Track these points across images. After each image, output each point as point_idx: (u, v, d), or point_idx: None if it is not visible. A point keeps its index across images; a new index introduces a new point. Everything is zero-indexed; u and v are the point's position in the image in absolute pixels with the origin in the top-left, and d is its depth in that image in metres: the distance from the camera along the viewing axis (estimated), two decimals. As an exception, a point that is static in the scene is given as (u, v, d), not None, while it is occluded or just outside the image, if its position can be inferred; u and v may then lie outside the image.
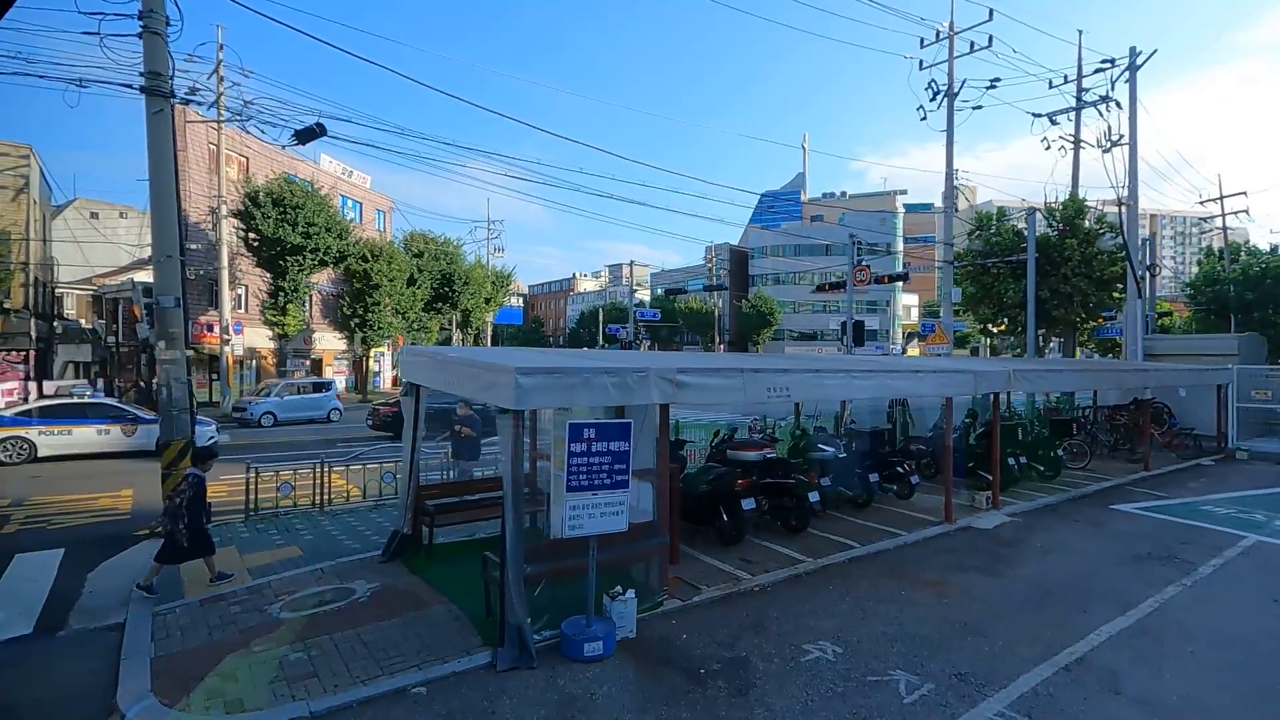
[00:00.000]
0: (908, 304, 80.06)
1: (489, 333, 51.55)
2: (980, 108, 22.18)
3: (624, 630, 5.77)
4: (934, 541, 8.87)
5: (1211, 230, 44.86)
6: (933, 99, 21.45)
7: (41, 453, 15.30)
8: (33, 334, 25.69)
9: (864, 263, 27.95)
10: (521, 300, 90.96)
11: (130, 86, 9.31)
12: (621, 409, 7.12)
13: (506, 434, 5.59)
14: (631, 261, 38.77)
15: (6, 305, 24.48)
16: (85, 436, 15.74)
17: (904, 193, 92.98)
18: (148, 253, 40.22)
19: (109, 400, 17.89)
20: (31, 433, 15.27)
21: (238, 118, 25.59)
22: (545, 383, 5.50)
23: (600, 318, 60.55)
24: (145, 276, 43.18)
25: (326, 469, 10.40)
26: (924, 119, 22.64)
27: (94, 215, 51.07)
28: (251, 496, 9.88)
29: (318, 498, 10.34)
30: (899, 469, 10.32)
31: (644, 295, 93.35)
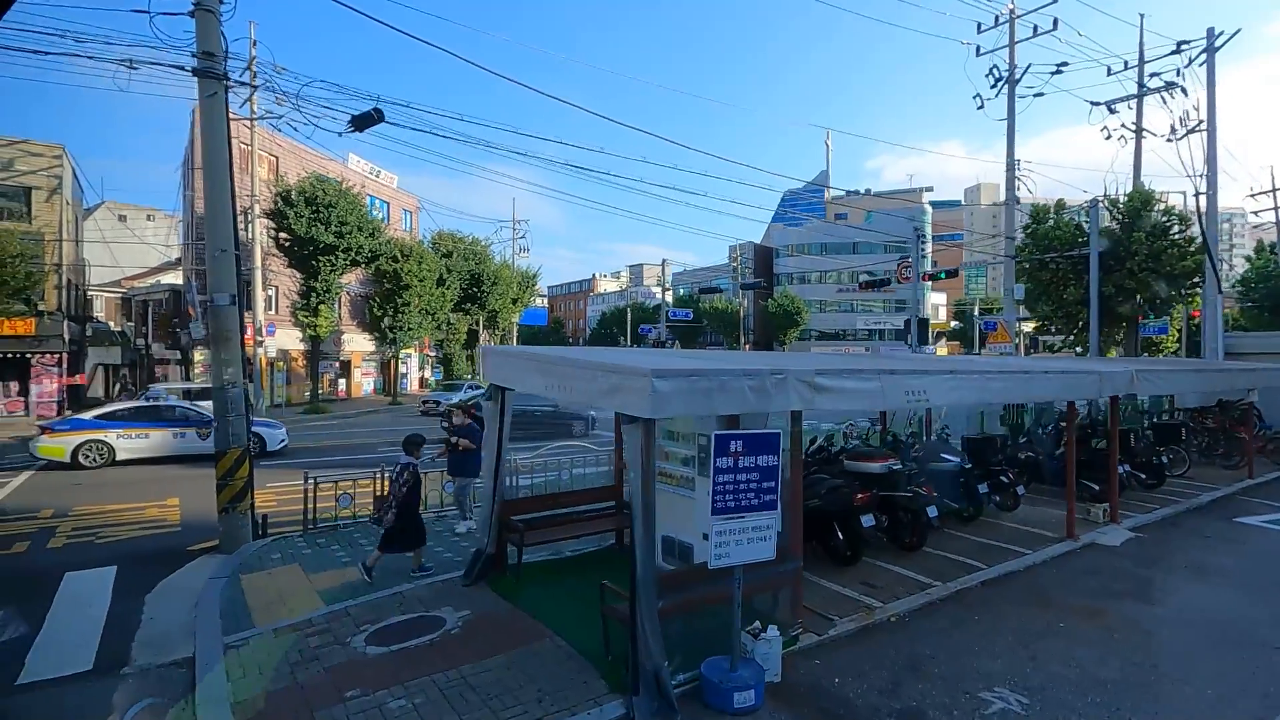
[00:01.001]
0: (935, 303, 78.39)
1: (514, 334, 51.01)
2: (1042, 94, 21.09)
3: (769, 673, 4.99)
4: (1063, 561, 7.99)
5: (1261, 224, 43.29)
6: (993, 86, 20.48)
7: (120, 456, 15.05)
8: (65, 336, 25.41)
9: (908, 258, 26.95)
10: (545, 301, 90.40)
11: (182, 68, 8.70)
12: (735, 419, 6.36)
13: (635, 446, 4.83)
14: (664, 261, 38.01)
15: (41, 307, 24.21)
16: (162, 440, 15.50)
17: (930, 190, 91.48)
18: (175, 254, 40.04)
19: (185, 403, 17.54)
20: (110, 436, 15.01)
21: (270, 115, 25.15)
22: (682, 387, 4.73)
23: (629, 318, 59.82)
24: (172, 278, 43.09)
25: (387, 478, 9.69)
26: (980, 107, 21.70)
27: (122, 218, 51.26)
28: (310, 507, 9.19)
29: (378, 506, 9.64)
30: (1002, 479, 9.45)
31: (666, 295, 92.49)
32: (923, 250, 70.18)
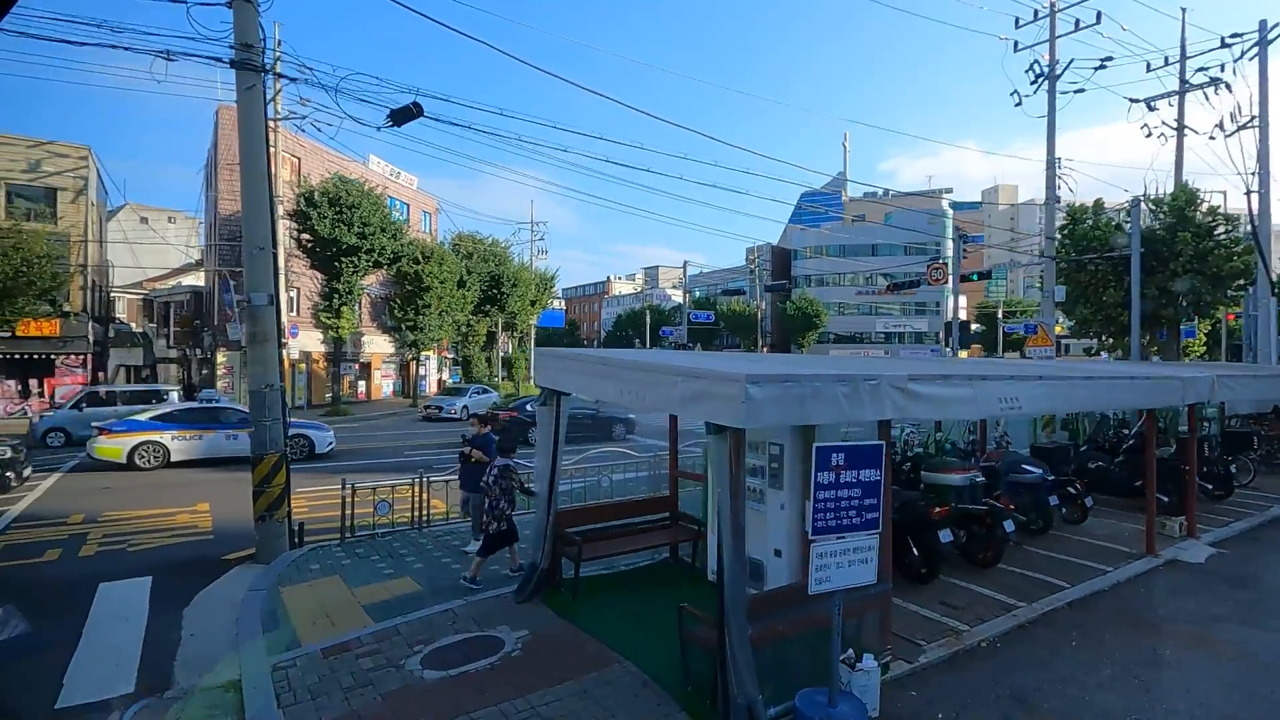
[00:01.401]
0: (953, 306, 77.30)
1: (531, 336, 50.76)
2: (1083, 90, 20.44)
3: (868, 707, 4.56)
4: (1149, 580, 7.49)
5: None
6: (1033, 82, 19.91)
7: (174, 458, 15.07)
8: (90, 337, 25.38)
9: (940, 259, 26.36)
10: (563, 303, 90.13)
11: (219, 60, 8.41)
12: (811, 429, 5.94)
13: (722, 458, 4.43)
14: (685, 262, 37.61)
15: (66, 308, 24.18)
16: (215, 442, 15.46)
17: (949, 191, 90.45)
18: (196, 256, 40.04)
19: (237, 405, 17.45)
20: (166, 437, 15.00)
21: (294, 116, 25.02)
22: (775, 394, 4.33)
23: (647, 320, 59.36)
24: (193, 280, 43.17)
25: (426, 484, 9.36)
26: (1019, 104, 21.08)
27: (144, 220, 51.55)
28: (347, 514, 8.85)
29: (415, 514, 9.31)
30: (1070, 489, 8.96)
31: (680, 297, 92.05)
32: (944, 252, 69.19)
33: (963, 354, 66.82)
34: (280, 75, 8.56)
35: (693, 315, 40.03)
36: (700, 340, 73.05)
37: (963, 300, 76.35)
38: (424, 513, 9.35)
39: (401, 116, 9.55)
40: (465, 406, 26.75)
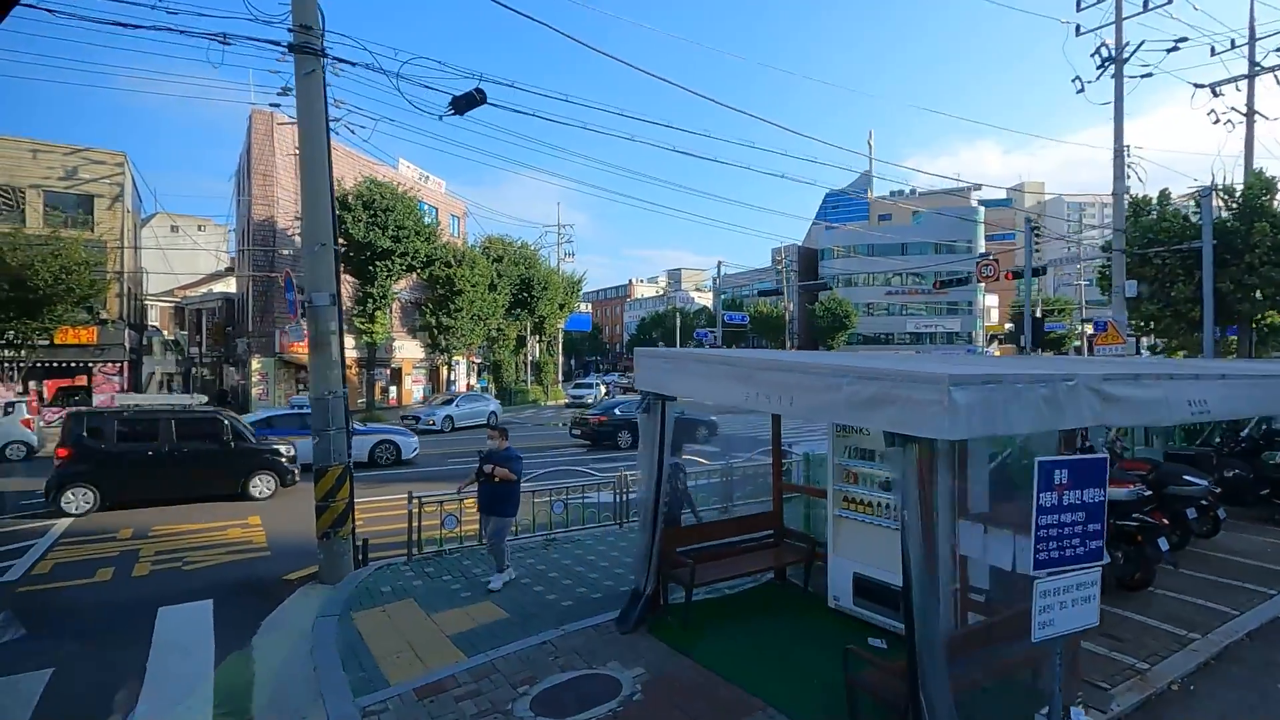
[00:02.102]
0: (988, 304, 75.77)
1: (559, 339, 50.29)
2: (1151, 74, 19.37)
3: (1085, 774, 3.81)
4: (1323, 604, 6.62)
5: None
6: (1099, 66, 18.92)
7: None
8: (127, 344, 25.25)
9: (990, 256, 25.39)
10: (590, 306, 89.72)
11: (277, 44, 7.87)
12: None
13: (909, 476, 3.71)
14: (719, 262, 36.92)
15: (103, 316, 24.04)
16: (307, 448, 15.04)
17: (978, 188, 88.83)
18: (227, 263, 39.99)
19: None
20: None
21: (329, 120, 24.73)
22: (980, 398, 3.59)
23: (677, 323, 58.63)
24: (223, 288, 43.16)
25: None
26: (1080, 90, 20.08)
27: (174, 228, 51.90)
28: (414, 525, 8.24)
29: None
30: (1203, 500, 8.09)
31: (704, 299, 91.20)
32: (976, 250, 67.41)
33: (995, 353, 65.12)
34: (340, 60, 8.01)
35: (727, 316, 39.25)
36: (726, 343, 72.19)
37: (993, 299, 74.87)
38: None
39: (464, 103, 8.95)
40: (449, 417, 23.95)
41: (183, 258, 44.40)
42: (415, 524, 8.21)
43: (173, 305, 46.37)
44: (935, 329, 68.53)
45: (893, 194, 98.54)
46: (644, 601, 5.90)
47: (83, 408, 16.18)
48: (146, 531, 9.84)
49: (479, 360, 47.31)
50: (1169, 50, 18.55)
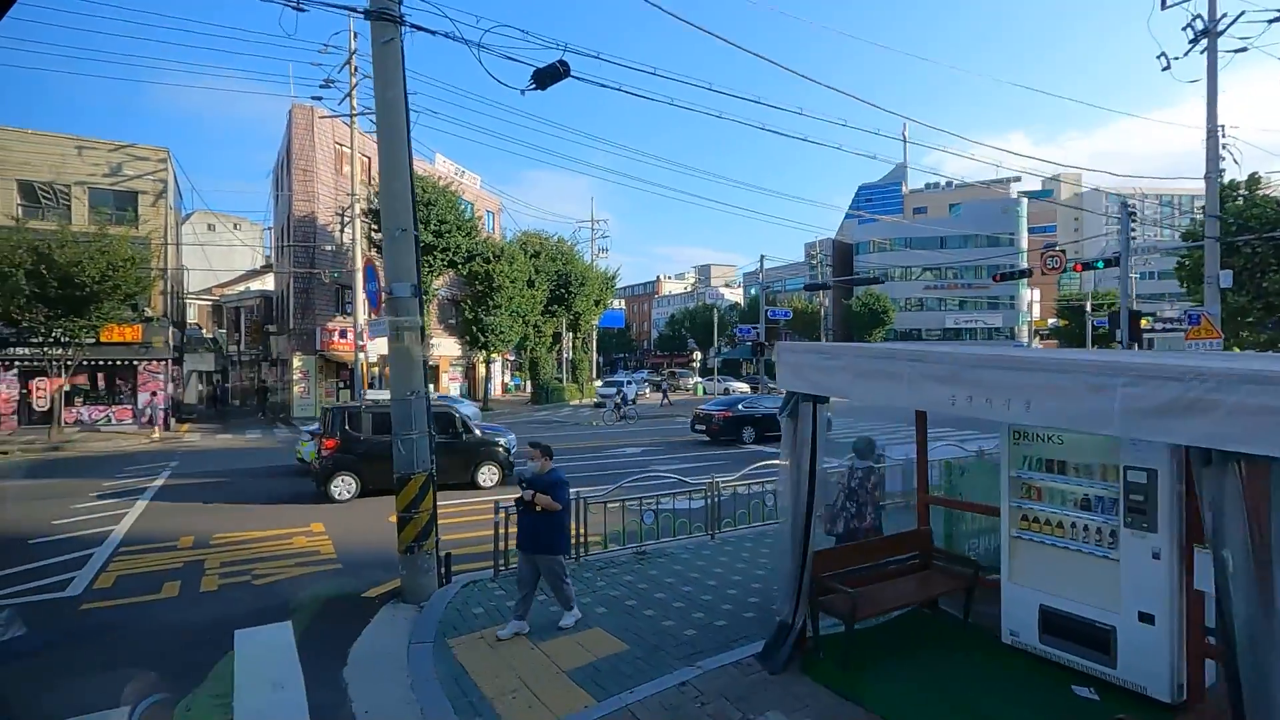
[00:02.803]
0: (1031, 299, 73.45)
1: (594, 336, 49.64)
2: (1245, 49, 18.00)
3: None
4: None
5: None
6: (1191, 40, 17.63)
7: None
8: (171, 342, 25.08)
9: (1057, 247, 24.12)
10: (622, 303, 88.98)
11: (353, 10, 7.20)
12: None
13: (1234, 503, 2.85)
14: (762, 257, 35.84)
15: (148, 313, 23.85)
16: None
17: (1018, 180, 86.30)
18: (266, 261, 39.86)
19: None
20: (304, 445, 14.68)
21: (370, 112, 24.22)
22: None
23: (715, 319, 57.81)
24: (258, 285, 43.08)
25: (583, 506, 7.98)
26: (1166, 68, 18.74)
27: (211, 227, 52.21)
28: (500, 532, 7.52)
29: (573, 540, 7.94)
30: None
31: (733, 295, 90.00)
32: (1019, 243, 65.36)
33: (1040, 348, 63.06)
34: (419, 28, 7.33)
35: (770, 313, 38.24)
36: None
37: (1035, 294, 72.66)
38: (580, 537, 7.98)
39: (548, 76, 8.20)
40: None
41: (219, 256, 44.59)
42: (503, 533, 7.50)
43: (210, 303, 46.60)
44: (975, 324, 66.61)
45: (928, 186, 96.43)
46: (792, 636, 5.10)
47: (344, 403, 16.36)
48: (208, 540, 9.28)
49: (512, 358, 46.84)
50: (1271, 20, 17.18)
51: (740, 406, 20.43)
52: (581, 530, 7.93)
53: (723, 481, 9.04)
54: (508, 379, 47.67)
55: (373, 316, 6.81)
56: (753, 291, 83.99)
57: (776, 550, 6.19)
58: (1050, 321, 64.55)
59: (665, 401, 37.12)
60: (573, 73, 8.35)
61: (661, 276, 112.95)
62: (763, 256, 35.74)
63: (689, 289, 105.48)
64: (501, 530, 7.40)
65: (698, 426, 20.36)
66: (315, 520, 10.37)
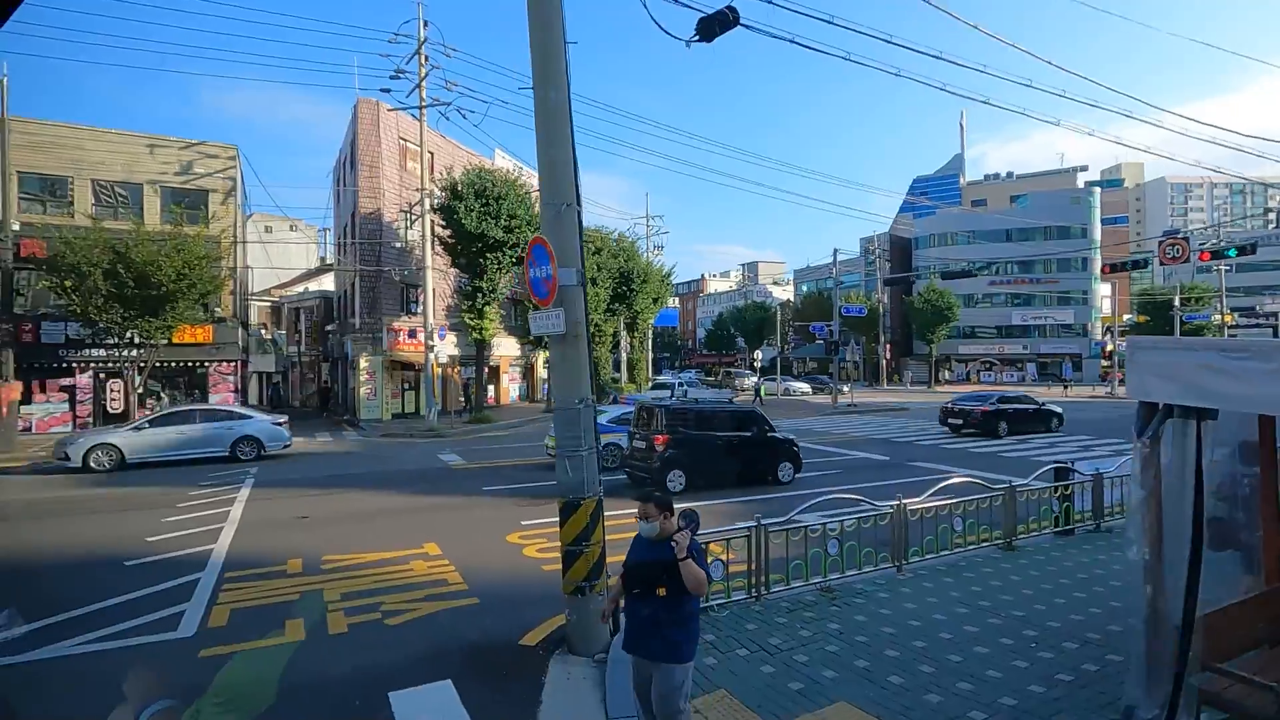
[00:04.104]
0: (1103, 294, 69.72)
1: (649, 336, 48.48)
2: None
3: None
4: None
5: None
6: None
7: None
8: (240, 343, 24.67)
9: (1179, 234, 22.03)
10: (676, 301, 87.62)
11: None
12: None
13: None
14: (835, 250, 34.11)
15: (219, 313, 23.45)
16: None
17: (1084, 169, 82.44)
18: (326, 262, 39.67)
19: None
20: (623, 439, 14.65)
21: (439, 103, 23.36)
22: None
23: (778, 318, 55.95)
24: (316, 286, 42.97)
25: (764, 534, 6.70)
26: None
27: (268, 229, 52.56)
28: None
29: (753, 577, 6.67)
30: None
31: (781, 293, 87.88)
32: (1091, 235, 62.31)
33: (1109, 347, 59.61)
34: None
35: (844, 310, 36.48)
36: (806, 338, 68.88)
37: (1105, 289, 69.04)
38: (761, 573, 6.70)
39: (715, 25, 6.96)
40: (110, 450, 15.22)
41: (276, 257, 44.66)
42: (759, 554, 6.26)
43: (269, 304, 46.78)
44: (1045, 320, 63.41)
45: (987, 178, 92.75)
46: (1168, 735, 3.72)
47: (656, 400, 16.21)
48: (317, 563, 8.27)
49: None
50: None
51: (995, 401, 22.13)
52: (758, 560, 6.66)
53: (911, 505, 7.66)
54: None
55: (539, 307, 5.58)
56: (804, 288, 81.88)
57: (1126, 624, 4.69)
58: (1126, 317, 60.90)
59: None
60: (742, 20, 7.11)
61: (706, 275, 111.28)
62: (836, 250, 33.98)
63: (734, 287, 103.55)
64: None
65: (952, 420, 22.15)
66: (427, 540, 9.31)
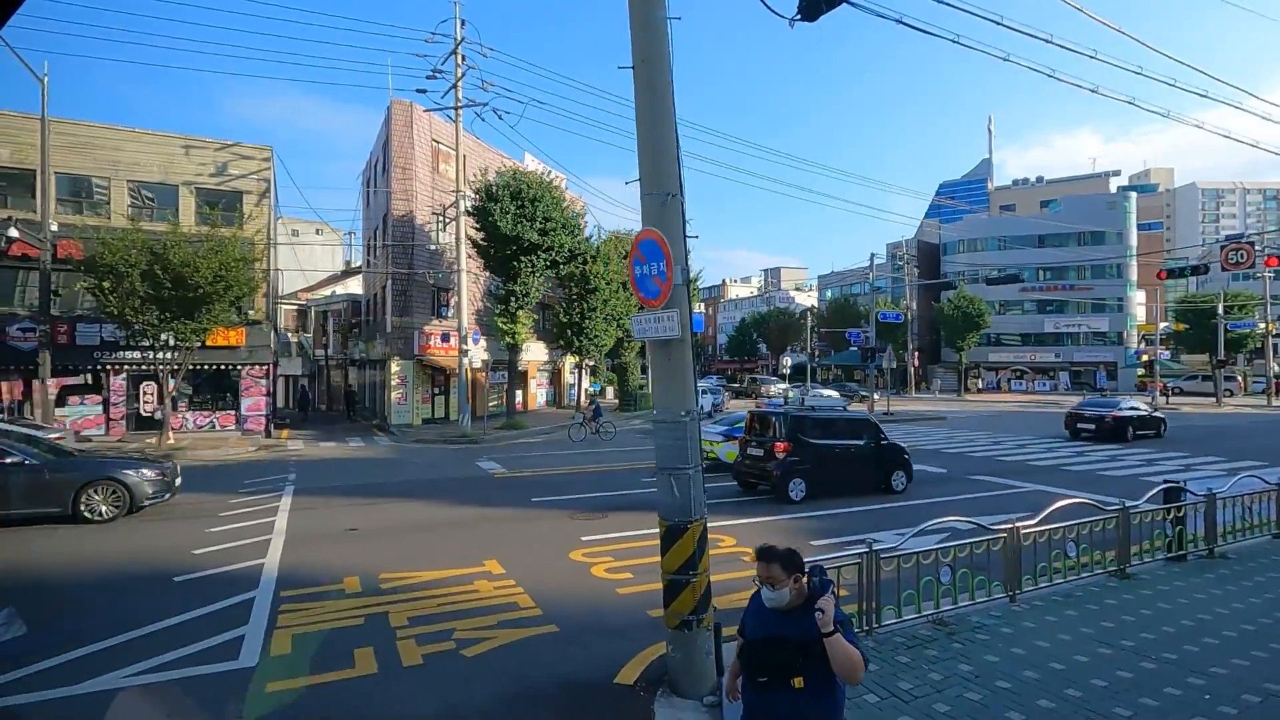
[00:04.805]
0: (1137, 302, 68.05)
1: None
2: None
3: None
4: None
5: None
6: None
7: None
8: (273, 346, 24.41)
9: (1244, 239, 21.07)
10: (703, 306, 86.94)
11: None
12: None
13: None
14: (872, 255, 33.36)
15: (252, 315, 23.20)
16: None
17: (1117, 174, 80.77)
18: (349, 265, 39.61)
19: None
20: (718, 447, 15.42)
21: (475, 104, 22.99)
22: None
23: (808, 324, 55.01)
24: (342, 289, 42.85)
25: (876, 563, 6.05)
26: None
27: (294, 232, 52.70)
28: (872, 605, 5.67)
29: (864, 603, 6.02)
30: None
31: (805, 299, 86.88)
32: (1126, 240, 60.33)
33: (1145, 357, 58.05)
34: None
35: (880, 315, 35.68)
36: (834, 345, 67.85)
37: (1141, 296, 67.29)
38: (872, 602, 6.05)
39: (819, 3, 6.38)
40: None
41: (302, 260, 44.65)
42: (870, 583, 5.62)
43: (295, 307, 46.79)
44: (1079, 328, 61.91)
45: (1016, 183, 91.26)
46: None
47: (766, 407, 16.88)
48: (375, 582, 7.74)
49: (591, 363, 45.45)
50: None
51: (1123, 409, 23.20)
52: (871, 589, 6.02)
53: (1024, 528, 6.98)
54: (588, 384, 46.27)
55: (645, 308, 5.02)
56: (828, 294, 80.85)
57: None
58: (1162, 326, 59.18)
59: None
60: (848, -1, 6.52)
61: (727, 280, 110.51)
62: (872, 255, 33.18)
63: (755, 293, 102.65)
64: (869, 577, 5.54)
65: (1083, 425, 23.00)
66: (486, 557, 8.76)
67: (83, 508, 10.32)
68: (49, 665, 5.55)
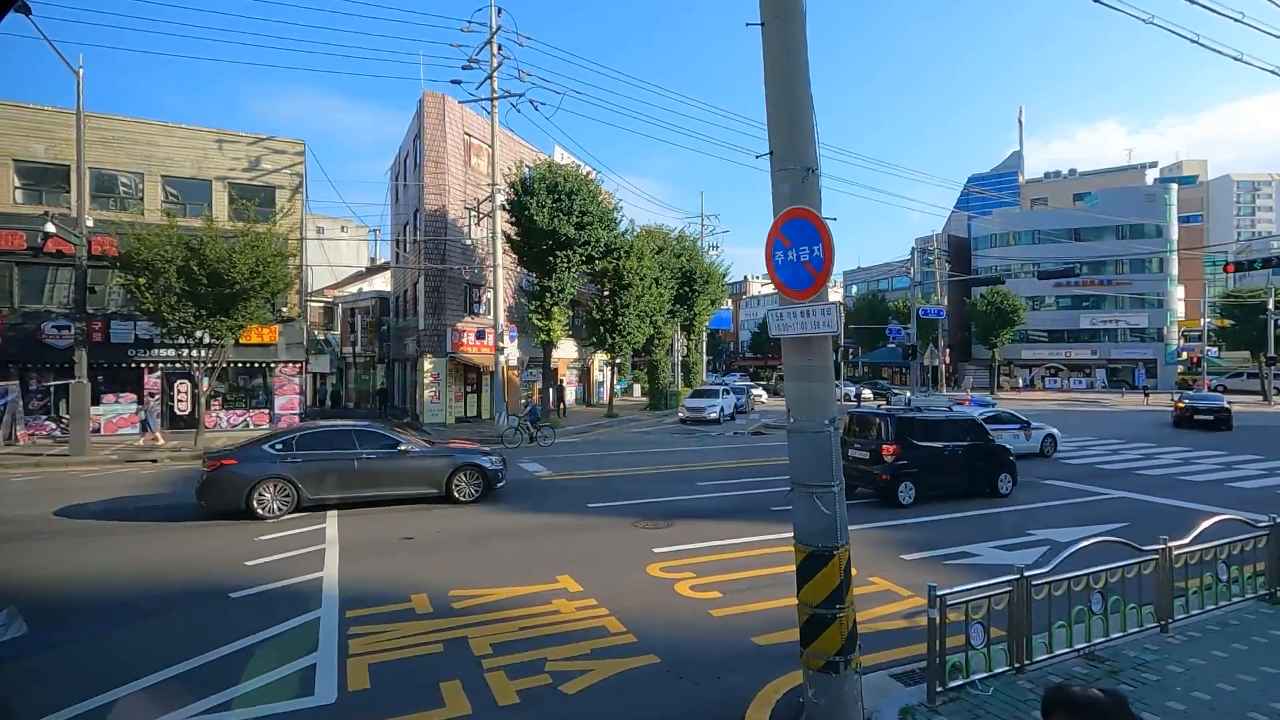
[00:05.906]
0: (1177, 297, 66.00)
1: (703, 338, 47.06)
2: None
3: None
4: None
5: None
6: None
7: None
8: (305, 344, 24.04)
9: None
10: (730, 303, 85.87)
11: None
12: None
13: None
14: (913, 249, 32.30)
15: (286, 313, 22.82)
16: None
17: (1153, 165, 78.48)
18: (375, 262, 39.32)
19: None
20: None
21: (510, 94, 22.35)
22: None
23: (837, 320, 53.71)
24: (369, 286, 42.57)
25: (1028, 590, 5.32)
26: None
27: (319, 230, 52.59)
28: (935, 638, 4.95)
29: (1016, 642, 5.30)
30: None
31: (831, 295, 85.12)
32: (1167, 234, 58.63)
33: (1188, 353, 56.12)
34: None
35: (921, 311, 34.66)
36: (861, 342, 66.60)
37: (1181, 291, 65.38)
38: (1023, 635, 5.33)
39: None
40: None
41: (329, 257, 44.46)
42: (938, 628, 4.91)
43: (322, 304, 46.64)
44: (1117, 324, 60.18)
45: (1047, 175, 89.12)
46: None
47: (869, 408, 16.22)
48: (446, 600, 7.13)
49: (619, 360, 44.81)
50: None
51: (1223, 403, 25.48)
52: (1022, 620, 5.29)
53: (1176, 548, 6.20)
54: (616, 382, 45.70)
55: (787, 300, 4.34)
56: (854, 289, 79.53)
57: None
58: (1203, 322, 57.21)
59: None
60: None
61: (748, 277, 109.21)
62: (914, 249, 32.18)
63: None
64: (939, 620, 4.85)
65: (1200, 416, 24.77)
66: (558, 571, 8.13)
67: (454, 490, 11.88)
68: (111, 697, 5.00)
